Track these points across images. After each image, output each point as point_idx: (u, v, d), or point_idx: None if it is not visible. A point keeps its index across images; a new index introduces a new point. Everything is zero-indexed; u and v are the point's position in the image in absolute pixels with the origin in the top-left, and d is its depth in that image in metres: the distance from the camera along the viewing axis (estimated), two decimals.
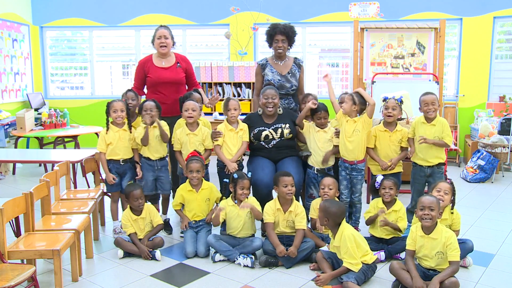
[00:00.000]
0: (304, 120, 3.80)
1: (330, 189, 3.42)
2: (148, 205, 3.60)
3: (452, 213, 3.20)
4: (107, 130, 3.73)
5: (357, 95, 3.64)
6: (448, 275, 2.73)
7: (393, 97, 3.66)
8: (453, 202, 3.17)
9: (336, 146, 3.71)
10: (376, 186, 3.48)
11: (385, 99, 3.71)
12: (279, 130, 3.78)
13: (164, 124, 3.76)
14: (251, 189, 3.51)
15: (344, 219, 3.05)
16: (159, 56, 4.20)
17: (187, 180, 3.62)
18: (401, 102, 3.71)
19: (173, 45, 4.23)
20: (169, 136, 3.83)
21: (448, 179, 3.29)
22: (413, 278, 2.76)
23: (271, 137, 3.77)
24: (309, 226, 3.64)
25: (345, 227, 3.00)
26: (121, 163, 3.75)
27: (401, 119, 4.76)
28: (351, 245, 2.91)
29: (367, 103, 3.58)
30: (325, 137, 3.72)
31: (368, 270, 2.96)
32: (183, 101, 3.91)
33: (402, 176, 3.81)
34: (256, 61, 6.99)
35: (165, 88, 4.16)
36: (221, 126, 3.77)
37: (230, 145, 3.73)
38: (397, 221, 3.40)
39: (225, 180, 3.54)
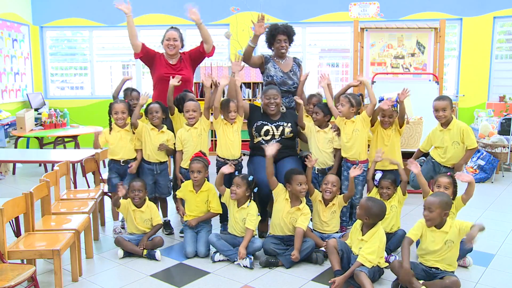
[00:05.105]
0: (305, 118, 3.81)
1: (334, 186, 3.43)
2: (150, 203, 3.59)
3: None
4: (110, 130, 3.76)
5: (353, 96, 3.63)
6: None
7: (389, 98, 3.62)
8: (454, 193, 3.19)
9: (338, 149, 3.72)
10: (375, 183, 3.49)
11: (381, 100, 3.68)
12: (281, 128, 3.79)
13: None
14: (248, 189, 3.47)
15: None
16: (167, 56, 4.28)
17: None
18: (397, 102, 3.69)
19: (181, 47, 4.30)
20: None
21: (449, 173, 3.29)
22: (402, 266, 2.73)
23: (271, 133, 3.78)
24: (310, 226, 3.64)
25: (381, 228, 3.02)
26: (121, 163, 3.75)
27: None
28: (381, 245, 2.93)
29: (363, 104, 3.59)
30: (325, 137, 3.73)
31: (378, 273, 2.97)
32: (178, 101, 3.93)
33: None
34: None
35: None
36: (217, 120, 3.77)
37: (227, 139, 3.73)
38: (396, 215, 3.46)
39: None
